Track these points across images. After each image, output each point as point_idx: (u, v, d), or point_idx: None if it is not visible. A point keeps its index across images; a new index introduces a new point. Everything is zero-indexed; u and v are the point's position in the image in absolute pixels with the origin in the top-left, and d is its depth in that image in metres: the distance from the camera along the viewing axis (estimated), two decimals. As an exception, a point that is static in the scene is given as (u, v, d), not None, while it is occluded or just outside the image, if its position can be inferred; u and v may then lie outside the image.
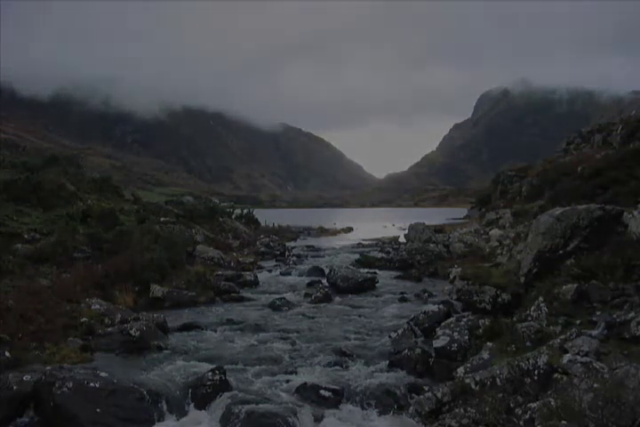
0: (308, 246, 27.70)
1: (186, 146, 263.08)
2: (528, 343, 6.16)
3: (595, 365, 5.04)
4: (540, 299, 6.84)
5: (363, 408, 6.18)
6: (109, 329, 8.83)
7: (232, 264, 17.76)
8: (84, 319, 9.04)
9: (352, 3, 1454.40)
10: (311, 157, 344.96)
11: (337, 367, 7.42)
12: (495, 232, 18.96)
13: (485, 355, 6.34)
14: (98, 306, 9.84)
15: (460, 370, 6.21)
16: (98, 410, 5.69)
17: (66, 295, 9.86)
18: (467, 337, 7.30)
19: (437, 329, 7.88)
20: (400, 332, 8.52)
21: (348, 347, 8.27)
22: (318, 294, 12.87)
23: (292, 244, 28.62)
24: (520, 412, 4.80)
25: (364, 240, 30.59)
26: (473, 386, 5.43)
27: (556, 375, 5.13)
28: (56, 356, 7.33)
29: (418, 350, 7.39)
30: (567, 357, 5.31)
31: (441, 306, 9.20)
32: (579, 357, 5.26)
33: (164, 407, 6.06)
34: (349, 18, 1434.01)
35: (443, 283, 14.31)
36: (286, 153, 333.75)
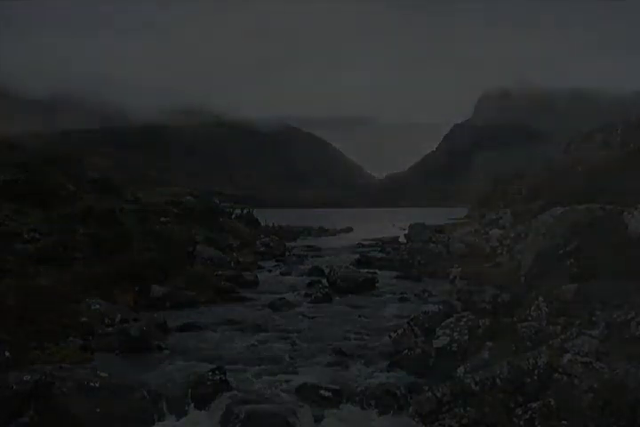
0: (307, 246, 27.67)
1: (186, 146, 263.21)
2: (528, 343, 6.16)
3: (595, 365, 5.05)
4: (540, 299, 6.84)
5: (363, 408, 6.17)
6: (109, 329, 8.82)
7: (232, 264, 17.75)
8: (84, 319, 9.03)
9: (352, 2, 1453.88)
10: (311, 156, 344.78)
11: (337, 367, 7.42)
12: (495, 232, 18.95)
13: (485, 355, 6.34)
14: (98, 306, 9.83)
15: (460, 370, 6.21)
16: (98, 410, 5.69)
17: (66, 295, 9.85)
18: (467, 337, 7.29)
19: (437, 329, 7.87)
20: (400, 332, 8.51)
21: (348, 347, 8.27)
22: (318, 294, 12.86)
23: (292, 244, 28.57)
24: (520, 412, 4.81)
25: (364, 240, 30.53)
26: (473, 386, 5.44)
27: (556, 375, 5.13)
28: (56, 356, 7.32)
29: (418, 350, 7.39)
30: (567, 357, 5.31)
31: (441, 306, 9.18)
32: (579, 357, 5.26)
33: (164, 407, 6.06)
34: (349, 18, 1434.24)
35: (443, 283, 14.30)
36: (286, 153, 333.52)
